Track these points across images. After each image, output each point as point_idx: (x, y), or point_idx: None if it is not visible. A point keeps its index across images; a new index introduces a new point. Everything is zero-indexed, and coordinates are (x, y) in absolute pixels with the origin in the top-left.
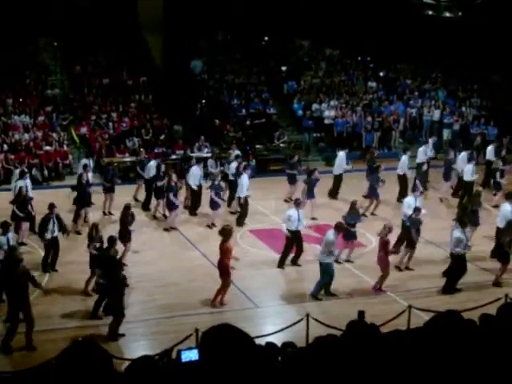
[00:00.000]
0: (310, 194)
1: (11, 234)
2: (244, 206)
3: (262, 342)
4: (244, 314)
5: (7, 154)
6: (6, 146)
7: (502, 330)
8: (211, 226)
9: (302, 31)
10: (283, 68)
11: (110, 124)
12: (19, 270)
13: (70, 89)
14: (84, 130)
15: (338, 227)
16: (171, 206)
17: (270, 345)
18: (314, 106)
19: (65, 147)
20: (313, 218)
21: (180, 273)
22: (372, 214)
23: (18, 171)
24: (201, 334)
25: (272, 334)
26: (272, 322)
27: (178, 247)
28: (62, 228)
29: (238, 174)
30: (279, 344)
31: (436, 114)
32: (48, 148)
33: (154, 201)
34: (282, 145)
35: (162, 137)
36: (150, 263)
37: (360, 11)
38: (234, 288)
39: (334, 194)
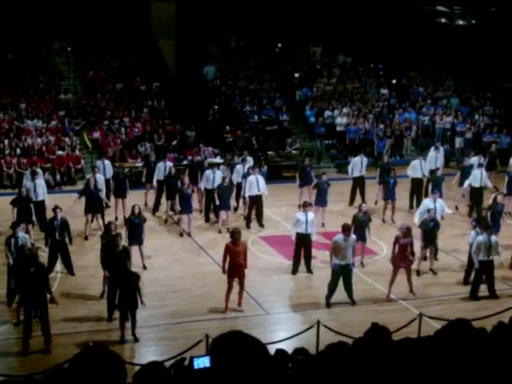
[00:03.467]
0: (321, 199)
1: (21, 234)
2: (249, 206)
3: (272, 348)
4: (254, 320)
5: (20, 158)
6: (18, 150)
7: None
8: (221, 231)
9: (315, 38)
10: (296, 75)
11: (123, 129)
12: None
13: (83, 94)
14: (96, 134)
15: (343, 228)
16: (182, 209)
17: (280, 352)
18: (327, 113)
19: (77, 152)
20: (322, 225)
21: (191, 279)
22: (387, 219)
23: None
24: (211, 340)
25: (282, 340)
26: (282, 328)
27: (189, 253)
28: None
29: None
30: (290, 351)
31: (447, 122)
32: (60, 152)
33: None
34: (294, 151)
35: (174, 142)
36: (161, 269)
37: (373, 18)
38: (244, 294)
39: (351, 200)
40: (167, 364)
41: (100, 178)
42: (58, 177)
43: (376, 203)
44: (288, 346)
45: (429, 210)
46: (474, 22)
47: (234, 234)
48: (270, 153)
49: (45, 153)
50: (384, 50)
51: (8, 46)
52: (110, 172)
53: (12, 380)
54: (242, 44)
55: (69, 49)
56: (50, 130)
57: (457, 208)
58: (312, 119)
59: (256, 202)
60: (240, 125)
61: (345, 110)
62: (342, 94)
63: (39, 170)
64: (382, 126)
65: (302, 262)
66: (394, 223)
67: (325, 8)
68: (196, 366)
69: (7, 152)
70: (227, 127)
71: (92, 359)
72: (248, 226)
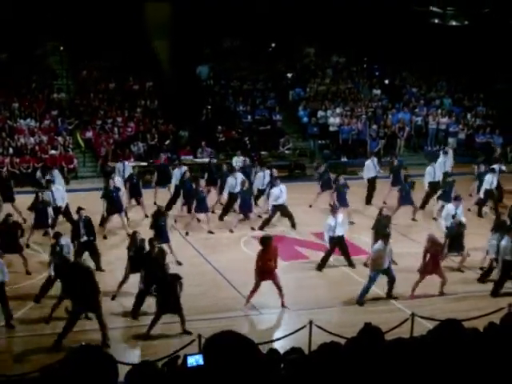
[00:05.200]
0: (341, 201)
1: (64, 240)
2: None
3: (264, 348)
4: (247, 320)
5: (13, 158)
6: (11, 150)
7: (505, 340)
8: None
9: (309, 38)
10: (289, 75)
11: (116, 129)
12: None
13: (76, 93)
14: (89, 134)
15: (384, 236)
16: (199, 210)
17: (272, 351)
18: (320, 113)
19: (70, 152)
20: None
21: (186, 278)
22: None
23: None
24: (204, 340)
25: (275, 340)
26: (275, 328)
27: (183, 253)
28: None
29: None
30: (282, 351)
31: (441, 123)
32: (53, 152)
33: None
34: (287, 151)
35: (167, 142)
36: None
37: (366, 19)
38: (237, 294)
39: (368, 200)
40: (160, 363)
41: (118, 180)
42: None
43: (385, 203)
44: (280, 346)
45: (453, 216)
46: (467, 22)
47: (265, 241)
48: (262, 153)
49: (37, 152)
50: (377, 50)
51: (1, 46)
52: (128, 173)
53: (7, 380)
54: (235, 44)
55: (62, 48)
56: (43, 129)
57: (469, 210)
58: (305, 119)
59: (280, 210)
60: (233, 125)
61: (338, 111)
62: (335, 95)
63: (55, 173)
64: (375, 127)
65: (297, 264)
66: (416, 221)
67: (319, 9)
68: (190, 364)
69: (0, 151)
70: (219, 127)
71: (84, 358)
72: (261, 229)
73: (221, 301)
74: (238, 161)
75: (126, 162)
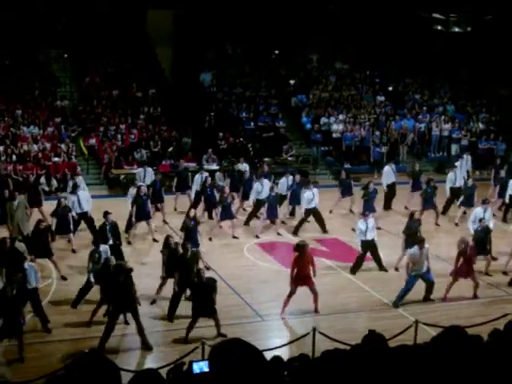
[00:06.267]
0: (369, 207)
1: (102, 247)
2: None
3: (268, 355)
4: (250, 327)
5: (16, 165)
6: (14, 157)
7: (509, 346)
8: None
9: (312, 45)
10: (292, 81)
11: (119, 136)
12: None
13: (79, 100)
14: (93, 141)
15: (419, 240)
16: (223, 217)
17: (276, 359)
18: (323, 120)
19: (73, 159)
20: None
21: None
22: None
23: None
24: (208, 347)
25: (278, 347)
26: (278, 335)
27: None
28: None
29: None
30: (285, 358)
31: (444, 129)
32: (56, 159)
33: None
34: (290, 158)
35: (170, 149)
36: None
37: (370, 26)
38: (240, 301)
39: (386, 205)
40: (164, 370)
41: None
42: (55, 182)
43: (406, 208)
44: (284, 353)
45: (480, 220)
46: (469, 29)
47: (300, 248)
48: (266, 159)
49: (41, 159)
50: (380, 57)
51: (5, 53)
52: (150, 179)
53: None
54: (238, 51)
55: (65, 55)
56: (46, 136)
57: (494, 215)
58: (308, 126)
59: (313, 213)
60: (236, 131)
61: (341, 117)
62: (338, 101)
63: (80, 179)
64: (378, 133)
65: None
66: (439, 226)
67: (321, 15)
68: (195, 371)
69: (3, 158)
70: (220, 134)
71: (87, 366)
72: (295, 234)
73: (224, 308)
74: (241, 168)
75: (149, 168)
